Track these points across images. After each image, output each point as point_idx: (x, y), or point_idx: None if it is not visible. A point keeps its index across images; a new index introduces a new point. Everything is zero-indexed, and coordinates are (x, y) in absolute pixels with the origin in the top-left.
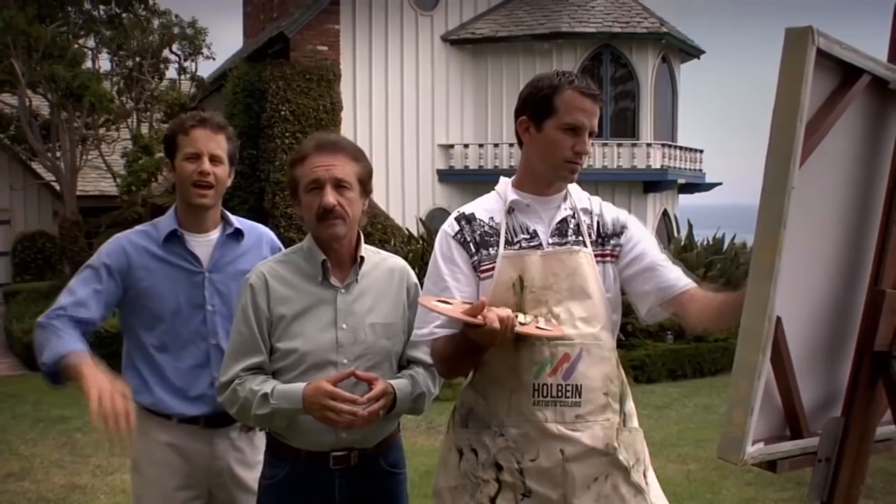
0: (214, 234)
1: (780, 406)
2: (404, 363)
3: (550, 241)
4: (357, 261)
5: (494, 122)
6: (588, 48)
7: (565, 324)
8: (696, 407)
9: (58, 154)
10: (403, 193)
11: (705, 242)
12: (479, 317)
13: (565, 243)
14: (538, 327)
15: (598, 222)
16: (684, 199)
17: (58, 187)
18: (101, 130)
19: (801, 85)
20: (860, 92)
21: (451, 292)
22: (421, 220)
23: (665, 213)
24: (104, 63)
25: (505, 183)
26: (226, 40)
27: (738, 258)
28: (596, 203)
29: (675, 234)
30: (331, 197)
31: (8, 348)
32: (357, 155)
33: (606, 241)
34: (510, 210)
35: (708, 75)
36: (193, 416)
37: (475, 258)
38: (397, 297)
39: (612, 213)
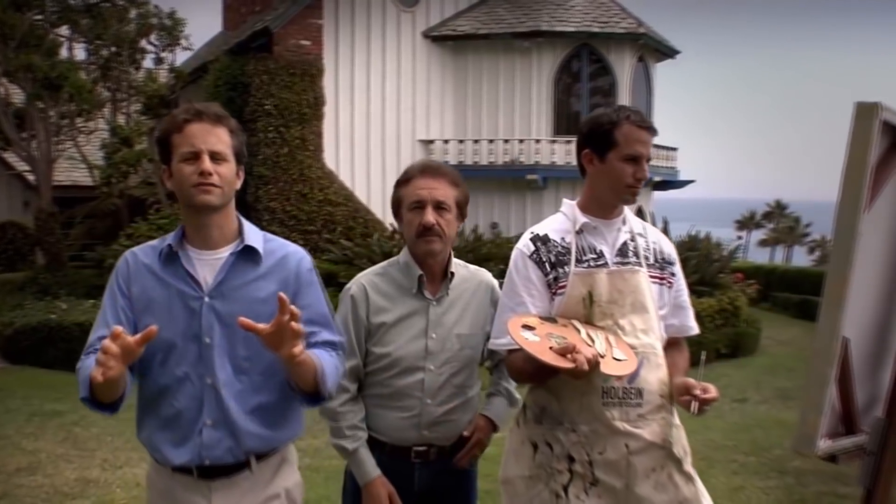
0: (225, 252)
1: (839, 409)
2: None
3: (615, 260)
4: (448, 276)
5: (474, 118)
6: (567, 47)
7: (629, 335)
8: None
9: (33, 144)
10: (384, 188)
11: (679, 238)
12: (569, 357)
13: (627, 263)
14: (615, 358)
15: (655, 248)
16: (658, 194)
17: (30, 178)
18: (79, 121)
19: (867, 152)
20: None
21: (527, 307)
22: None
23: (640, 210)
24: (79, 52)
25: (571, 206)
26: (200, 28)
27: (711, 255)
28: (651, 231)
29: None
30: (431, 216)
31: None
32: (457, 181)
33: (665, 267)
34: (580, 231)
35: (683, 75)
36: (185, 466)
37: (550, 275)
38: (483, 310)
39: (667, 245)
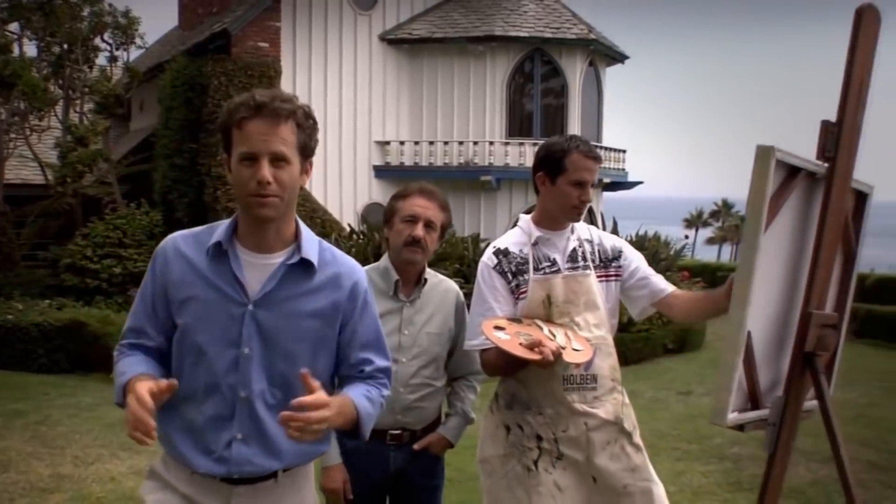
0: (278, 258)
1: (745, 388)
2: (449, 371)
3: (567, 266)
4: (421, 282)
5: (429, 121)
6: (520, 51)
7: (584, 329)
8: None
9: None
10: (341, 188)
11: (628, 238)
12: (537, 350)
13: (577, 268)
14: (574, 348)
15: (599, 250)
16: (609, 194)
17: None
18: (33, 119)
19: (765, 186)
20: (797, 181)
21: (495, 311)
22: (363, 216)
23: (590, 210)
24: (30, 49)
25: (527, 221)
26: (153, 24)
27: (658, 253)
28: (595, 233)
29: (601, 229)
30: (420, 231)
31: None
32: (446, 206)
33: (609, 264)
34: (535, 243)
35: (631, 79)
36: (211, 474)
37: (513, 283)
38: (449, 313)
39: (609, 240)
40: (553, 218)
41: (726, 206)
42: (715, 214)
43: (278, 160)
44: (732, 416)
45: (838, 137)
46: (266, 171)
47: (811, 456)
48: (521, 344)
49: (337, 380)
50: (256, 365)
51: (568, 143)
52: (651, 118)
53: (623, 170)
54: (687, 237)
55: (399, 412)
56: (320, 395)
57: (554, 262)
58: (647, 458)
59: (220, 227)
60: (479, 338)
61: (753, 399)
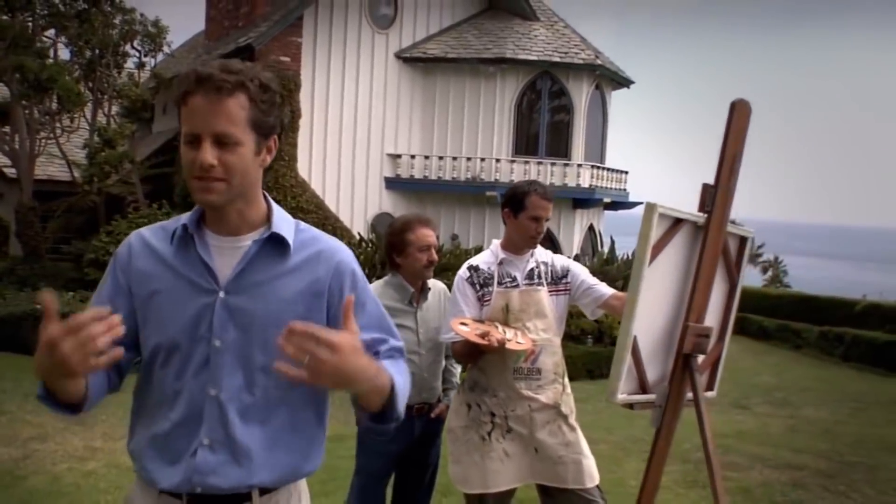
0: (248, 240)
1: (636, 378)
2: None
3: (524, 283)
4: (425, 290)
5: (440, 136)
6: (529, 74)
7: (533, 332)
8: (608, 402)
9: (15, 140)
10: (353, 198)
11: (625, 256)
12: (486, 339)
13: (532, 284)
14: (517, 342)
15: (552, 271)
16: (609, 213)
17: (8, 172)
18: (66, 121)
19: (650, 232)
20: (682, 227)
21: (464, 313)
22: (372, 225)
23: (591, 228)
24: (63, 53)
25: (496, 244)
26: (178, 28)
27: None
28: (550, 257)
29: (599, 247)
30: (434, 256)
31: None
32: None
33: (559, 281)
34: (500, 263)
35: (636, 102)
36: (173, 491)
37: (480, 292)
38: (442, 309)
39: (560, 262)
40: (515, 244)
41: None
42: None
43: (223, 141)
44: (622, 397)
45: (714, 197)
46: (207, 153)
47: (767, 462)
48: (476, 334)
49: None
50: (230, 359)
51: (529, 186)
52: (655, 138)
53: (624, 190)
54: None
55: (423, 391)
56: (347, 334)
57: (514, 279)
58: (581, 437)
59: (186, 214)
60: (450, 333)
61: (642, 386)
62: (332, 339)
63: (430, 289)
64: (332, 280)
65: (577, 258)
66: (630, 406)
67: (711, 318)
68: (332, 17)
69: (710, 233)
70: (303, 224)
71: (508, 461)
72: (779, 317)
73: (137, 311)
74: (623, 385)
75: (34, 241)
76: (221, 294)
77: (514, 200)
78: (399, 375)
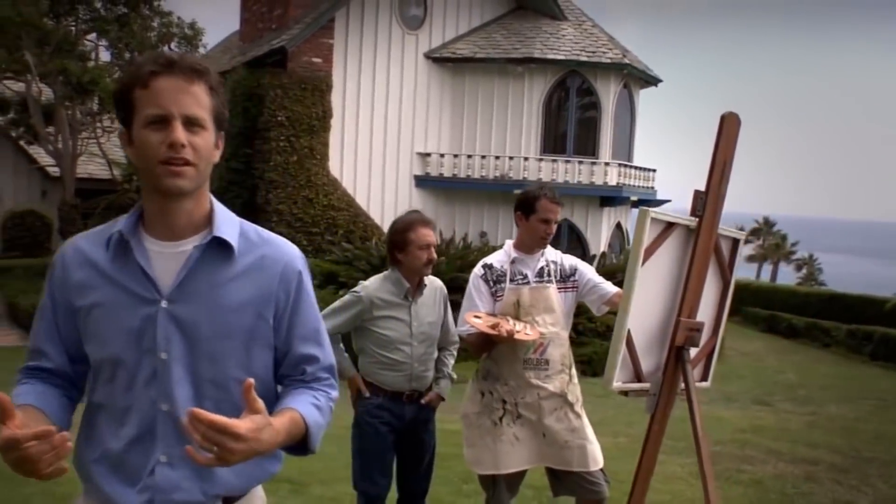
0: (189, 244)
1: (631, 368)
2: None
3: (534, 280)
4: (422, 285)
5: (469, 135)
6: (556, 73)
7: (541, 326)
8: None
9: (58, 139)
10: (383, 196)
11: None
12: (497, 330)
13: (542, 282)
14: (526, 333)
15: (560, 269)
16: (637, 211)
17: (50, 170)
18: (106, 121)
19: (643, 235)
20: (675, 230)
21: (478, 307)
22: None
23: (619, 226)
24: (103, 55)
25: (509, 245)
26: (213, 26)
27: None
28: (559, 256)
29: (627, 245)
30: (434, 254)
31: (13, 321)
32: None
33: (567, 279)
34: (513, 261)
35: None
36: None
37: (493, 289)
38: (439, 304)
39: (568, 260)
40: (527, 244)
41: (767, 223)
42: (755, 232)
43: (193, 124)
44: (617, 385)
45: (705, 202)
46: (180, 133)
47: (782, 456)
48: (488, 326)
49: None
50: (178, 372)
51: (539, 191)
52: (684, 135)
53: (652, 188)
54: None
55: (413, 380)
56: (254, 419)
57: (525, 277)
58: (587, 423)
59: (121, 220)
60: (465, 326)
61: (637, 375)
62: (239, 430)
63: (426, 285)
64: (279, 286)
65: (604, 256)
66: (625, 393)
67: (705, 314)
68: (363, 18)
69: (701, 235)
70: (247, 224)
71: (518, 445)
72: (808, 315)
73: (79, 324)
74: (618, 374)
75: None
76: (164, 304)
77: (526, 204)
78: (315, 410)
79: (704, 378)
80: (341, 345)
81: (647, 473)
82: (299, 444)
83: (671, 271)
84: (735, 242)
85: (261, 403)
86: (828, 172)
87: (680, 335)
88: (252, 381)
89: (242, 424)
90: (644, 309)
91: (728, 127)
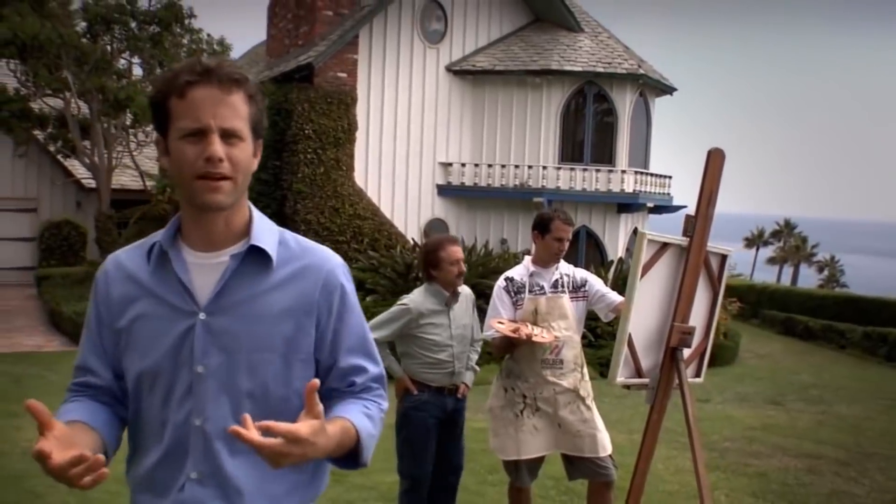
0: (227, 254)
1: (633, 365)
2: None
3: (550, 291)
4: (457, 294)
5: (489, 145)
6: (574, 84)
7: (557, 330)
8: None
9: (94, 153)
10: (406, 204)
11: None
12: (517, 334)
13: (556, 292)
14: (542, 337)
15: (572, 280)
16: (653, 217)
17: (85, 182)
18: (140, 136)
19: (641, 252)
20: (669, 249)
21: (502, 314)
22: (425, 231)
23: (636, 232)
24: (136, 70)
25: (527, 259)
26: (238, 38)
27: None
28: (571, 269)
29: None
30: (463, 268)
31: (54, 327)
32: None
33: (578, 289)
34: (531, 274)
35: (680, 108)
36: None
37: (514, 298)
38: (470, 309)
39: (579, 273)
40: (543, 260)
41: (788, 226)
42: (776, 234)
43: (230, 136)
44: (620, 380)
45: (695, 225)
46: (218, 146)
47: (788, 451)
48: (509, 330)
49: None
50: (214, 386)
51: (553, 213)
52: (696, 146)
53: (668, 194)
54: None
55: (455, 377)
56: (312, 424)
57: (542, 288)
58: (597, 415)
59: (160, 232)
60: (490, 331)
61: (637, 372)
62: (300, 434)
63: (460, 293)
64: (321, 297)
65: (621, 261)
66: (627, 387)
67: (697, 320)
68: (386, 34)
69: (691, 253)
70: (288, 233)
71: (537, 434)
72: (824, 317)
73: (121, 340)
74: (621, 371)
75: (112, 247)
76: (202, 315)
77: (542, 224)
78: (367, 420)
79: (697, 374)
80: (387, 349)
81: (648, 454)
82: (349, 455)
83: (666, 283)
84: (723, 259)
85: (320, 407)
86: (850, 173)
87: (674, 338)
88: (317, 381)
89: (303, 428)
90: (643, 315)
91: (713, 161)
